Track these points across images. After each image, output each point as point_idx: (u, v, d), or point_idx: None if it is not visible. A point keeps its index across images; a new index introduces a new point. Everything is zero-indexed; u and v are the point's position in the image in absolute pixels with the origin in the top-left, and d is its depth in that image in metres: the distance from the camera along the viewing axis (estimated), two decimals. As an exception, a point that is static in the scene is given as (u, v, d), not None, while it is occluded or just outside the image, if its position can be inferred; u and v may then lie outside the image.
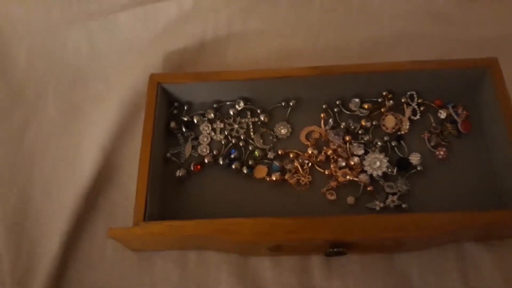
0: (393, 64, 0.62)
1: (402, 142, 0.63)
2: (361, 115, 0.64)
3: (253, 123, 0.66)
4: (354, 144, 0.63)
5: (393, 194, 0.59)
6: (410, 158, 0.61)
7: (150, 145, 0.60)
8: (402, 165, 0.61)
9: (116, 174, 0.65)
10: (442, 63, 0.62)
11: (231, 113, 0.66)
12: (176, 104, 0.67)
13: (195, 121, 0.66)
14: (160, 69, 0.71)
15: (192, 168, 0.63)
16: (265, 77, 0.63)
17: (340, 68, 0.62)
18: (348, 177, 0.60)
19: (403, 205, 0.58)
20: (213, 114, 0.66)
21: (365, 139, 0.63)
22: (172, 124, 0.66)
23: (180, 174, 0.62)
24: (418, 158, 0.61)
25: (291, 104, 0.66)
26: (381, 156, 0.61)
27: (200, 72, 0.65)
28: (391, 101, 0.64)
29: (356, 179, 0.60)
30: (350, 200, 0.59)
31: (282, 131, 0.65)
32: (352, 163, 0.61)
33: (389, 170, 0.60)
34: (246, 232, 0.51)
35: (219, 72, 0.64)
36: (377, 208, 0.59)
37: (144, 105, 0.63)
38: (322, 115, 0.65)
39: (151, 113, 0.62)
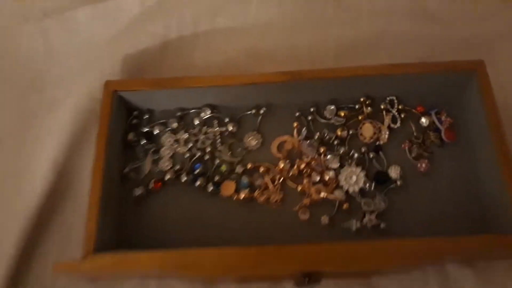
0: (371, 68, 0.56)
1: (381, 153, 0.57)
2: (336, 123, 0.59)
3: (220, 133, 0.60)
4: (329, 156, 0.57)
5: (371, 212, 0.54)
6: (389, 171, 0.56)
7: (103, 161, 0.53)
8: (381, 179, 0.55)
9: (70, 192, 0.59)
10: (424, 66, 0.56)
11: (196, 122, 0.60)
12: (135, 113, 0.61)
13: (156, 131, 0.60)
14: (119, 72, 0.64)
15: (151, 186, 0.57)
16: (232, 84, 0.57)
17: (314, 73, 0.56)
18: (322, 194, 0.54)
19: (381, 225, 0.53)
20: (177, 124, 0.60)
21: (341, 151, 0.57)
22: (130, 136, 0.59)
23: (138, 193, 0.56)
24: (398, 171, 0.55)
25: (261, 112, 0.59)
26: (358, 170, 0.55)
27: (160, 79, 0.58)
28: (369, 108, 0.58)
29: (330, 196, 0.54)
30: (324, 219, 0.54)
31: (252, 142, 0.59)
32: (327, 177, 0.55)
33: (367, 185, 0.55)
34: (208, 266, 0.45)
35: (181, 78, 0.57)
36: (354, 228, 0.53)
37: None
38: (295, 124, 0.59)
39: (105, 124, 0.55)
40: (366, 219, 0.53)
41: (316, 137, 0.58)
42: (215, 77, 0.57)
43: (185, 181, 0.56)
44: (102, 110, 0.56)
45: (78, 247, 0.54)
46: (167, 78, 0.58)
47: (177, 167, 0.58)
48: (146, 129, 0.60)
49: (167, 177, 0.57)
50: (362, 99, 0.59)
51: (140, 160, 0.59)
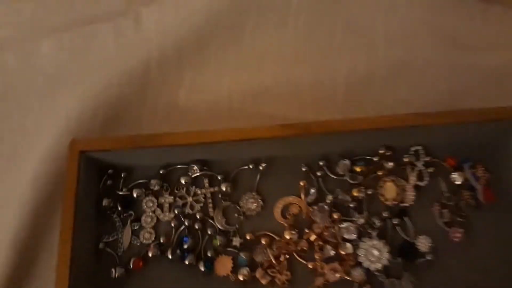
0: (391, 119, 0.45)
1: (406, 218, 0.47)
2: (351, 182, 0.49)
3: (212, 194, 0.50)
4: (344, 224, 0.47)
5: (397, 295, 0.45)
6: (417, 242, 0.46)
7: (72, 235, 0.44)
8: (408, 253, 0.46)
9: (34, 274, 0.49)
10: (456, 115, 0.46)
11: (183, 181, 0.49)
12: (110, 171, 0.51)
13: (135, 195, 0.49)
14: (90, 117, 0.53)
15: (132, 266, 0.47)
16: (224, 140, 0.46)
17: (322, 126, 0.45)
18: (337, 274, 0.45)
19: (410, 311, 0.44)
20: (159, 185, 0.49)
21: (359, 219, 0.47)
22: (105, 202, 0.49)
23: (117, 275, 0.46)
24: (428, 243, 0.46)
25: (260, 167, 0.50)
26: (381, 244, 0.46)
27: (137, 136, 0.47)
28: (390, 163, 0.49)
29: (348, 277, 0.45)
30: (342, 306, 0.45)
31: (251, 205, 0.49)
32: (343, 252, 0.46)
33: (391, 261, 0.46)
34: None
35: (162, 135, 0.47)
36: (377, 316, 0.44)
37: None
38: (301, 183, 0.49)
39: (72, 189, 0.45)
40: (392, 304, 0.45)
41: (328, 200, 0.48)
42: (203, 133, 0.46)
43: (172, 258, 0.47)
44: (68, 173, 0.46)
45: None
46: (145, 136, 0.47)
47: (162, 239, 0.48)
48: (123, 193, 0.50)
49: (150, 253, 0.47)
50: (381, 151, 0.49)
51: (117, 232, 0.49)
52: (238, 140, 0.46)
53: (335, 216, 0.47)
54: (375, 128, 0.46)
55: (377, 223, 0.47)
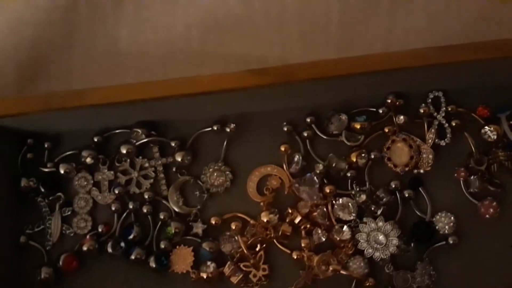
0: (401, 56, 0.32)
1: (421, 189, 0.37)
2: (349, 143, 0.38)
3: (164, 167, 0.38)
4: (341, 200, 0.37)
5: (410, 292, 0.35)
6: (436, 222, 0.36)
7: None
8: (422, 235, 0.35)
9: None
10: (488, 48, 0.32)
11: (124, 151, 0.37)
12: (29, 141, 0.39)
13: (62, 171, 0.38)
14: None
15: (63, 266, 0.36)
16: (178, 94, 0.34)
17: (309, 69, 0.33)
18: (331, 268, 0.35)
19: (426, 311, 0.35)
20: (93, 157, 0.38)
21: (358, 192, 0.37)
22: (25, 182, 0.38)
23: (43, 277, 0.36)
24: (450, 222, 0.35)
25: (228, 129, 0.38)
26: (388, 225, 0.35)
27: (58, 94, 0.35)
28: (402, 116, 0.37)
29: (344, 272, 0.35)
30: (337, 309, 0.35)
31: (216, 179, 0.38)
32: (338, 238, 0.36)
33: (401, 247, 0.35)
34: None
35: (93, 91, 0.34)
36: (383, 319, 0.35)
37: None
38: (281, 148, 0.38)
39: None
40: (401, 303, 0.35)
41: (318, 170, 0.37)
42: (148, 85, 0.34)
43: (114, 253, 0.36)
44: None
45: None
46: (70, 92, 0.35)
47: (100, 229, 0.37)
48: (47, 169, 0.38)
49: (86, 247, 0.37)
50: (389, 100, 0.37)
51: (43, 220, 0.38)
52: (197, 93, 0.34)
53: (328, 190, 0.36)
54: (380, 69, 0.33)
55: (383, 197, 0.36)
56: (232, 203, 0.38)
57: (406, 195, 0.36)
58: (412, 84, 0.36)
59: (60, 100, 0.35)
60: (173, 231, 0.36)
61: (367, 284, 0.35)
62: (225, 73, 0.34)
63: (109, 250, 0.36)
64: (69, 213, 0.38)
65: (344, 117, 0.37)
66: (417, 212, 0.36)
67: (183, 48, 0.42)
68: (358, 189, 0.36)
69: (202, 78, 0.35)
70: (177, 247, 0.37)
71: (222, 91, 0.34)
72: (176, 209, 0.37)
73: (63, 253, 0.37)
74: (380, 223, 0.35)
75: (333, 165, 0.36)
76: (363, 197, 0.35)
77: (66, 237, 0.38)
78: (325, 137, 0.37)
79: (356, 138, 0.37)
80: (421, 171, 0.37)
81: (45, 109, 0.35)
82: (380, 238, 0.35)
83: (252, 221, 0.37)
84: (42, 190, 0.38)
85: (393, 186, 0.36)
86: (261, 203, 0.37)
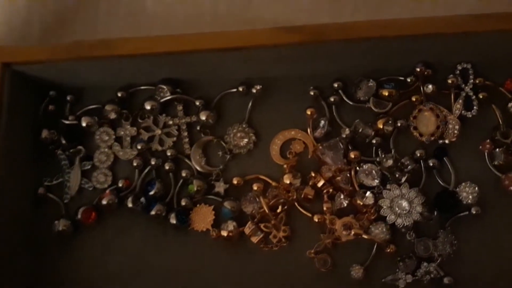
0: (432, 23, 0.34)
1: (446, 159, 0.38)
2: (376, 110, 0.38)
3: (188, 125, 0.39)
4: (365, 166, 0.38)
5: (430, 260, 0.36)
6: (459, 192, 0.37)
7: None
8: (446, 205, 0.37)
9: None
10: None
11: (148, 108, 0.38)
12: (51, 93, 0.40)
13: (84, 124, 0.39)
14: (22, 24, 0.42)
15: (81, 218, 0.38)
16: (206, 48, 0.35)
17: (339, 30, 0.34)
18: (353, 232, 0.36)
19: (446, 279, 0.35)
20: (116, 112, 0.39)
21: (384, 158, 0.38)
22: (45, 133, 0.39)
23: (61, 228, 0.37)
24: (474, 192, 0.36)
25: (254, 90, 0.39)
26: (412, 192, 0.37)
27: (84, 42, 0.36)
28: (430, 85, 0.38)
29: (366, 236, 0.36)
30: (357, 272, 0.36)
31: (240, 140, 0.39)
32: (361, 203, 0.37)
33: (424, 215, 0.37)
34: None
35: (120, 41, 0.35)
36: (401, 286, 0.35)
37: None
38: (308, 112, 0.39)
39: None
40: (422, 270, 0.36)
41: (344, 135, 0.38)
42: (176, 38, 0.35)
43: (134, 208, 0.37)
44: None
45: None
46: (96, 42, 0.36)
47: (121, 183, 0.38)
48: (68, 121, 0.39)
49: (105, 201, 0.38)
50: (418, 69, 0.38)
51: (62, 173, 0.39)
52: (225, 48, 0.35)
53: (353, 155, 0.37)
54: (413, 33, 0.34)
55: (408, 165, 0.37)
56: (254, 165, 0.38)
57: (431, 165, 0.37)
58: (441, 54, 0.37)
59: (88, 49, 0.36)
60: (195, 189, 0.37)
61: (388, 251, 0.36)
62: (255, 29, 0.35)
63: (129, 204, 0.37)
64: (89, 167, 0.39)
65: (372, 83, 0.38)
66: (440, 182, 0.37)
67: (210, 10, 0.43)
68: (383, 156, 0.37)
69: (231, 33, 0.35)
70: (198, 205, 0.38)
71: (251, 47, 0.35)
72: (198, 168, 0.38)
73: (82, 206, 0.38)
74: (404, 190, 0.36)
75: (359, 130, 0.38)
76: (390, 161, 0.36)
77: (85, 191, 0.39)
78: (351, 103, 0.38)
79: (383, 105, 0.38)
80: (446, 141, 0.38)
81: (72, 57, 0.36)
82: (404, 205, 0.36)
83: (274, 183, 0.38)
84: (63, 142, 0.38)
85: (418, 155, 0.37)
86: (284, 166, 0.38)
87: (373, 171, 0.37)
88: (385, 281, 0.36)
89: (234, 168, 0.39)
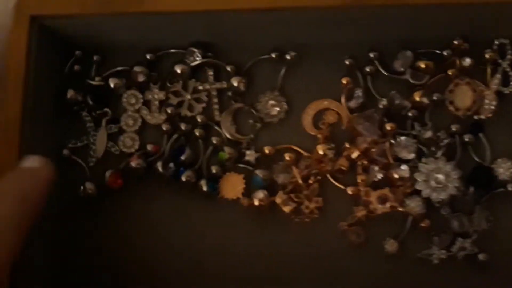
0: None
1: (481, 135, 0.37)
2: (413, 81, 0.38)
3: (218, 91, 0.38)
4: (401, 139, 0.37)
5: (465, 236, 0.36)
6: (495, 168, 0.36)
7: (21, 138, 0.33)
8: (481, 181, 0.36)
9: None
10: None
11: (178, 71, 0.37)
12: (77, 53, 0.38)
13: (112, 85, 0.37)
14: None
15: (108, 182, 0.36)
16: (241, 8, 0.34)
17: (386, -4, 0.34)
18: (388, 204, 0.36)
19: (480, 256, 0.35)
20: (145, 75, 0.37)
21: (421, 131, 0.37)
22: (71, 94, 0.37)
23: (87, 192, 0.36)
24: (510, 168, 0.35)
25: (288, 57, 0.38)
26: (449, 166, 0.36)
27: (114, -3, 0.35)
28: (467, 58, 0.38)
29: (402, 209, 0.36)
30: (391, 246, 0.35)
31: (272, 109, 0.38)
32: (397, 176, 0.36)
33: (461, 189, 0.36)
34: None
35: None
36: (435, 261, 0.35)
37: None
38: (343, 81, 0.38)
39: (22, 75, 0.33)
40: (457, 246, 0.35)
41: (381, 105, 0.37)
42: (212, -3, 0.34)
43: (163, 174, 0.36)
44: (15, 50, 0.34)
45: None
46: (127, -4, 0.35)
47: (150, 147, 0.37)
48: (95, 82, 0.38)
49: (133, 164, 0.36)
50: (456, 42, 0.38)
51: (88, 135, 0.38)
52: (264, 9, 0.34)
53: (389, 127, 0.36)
54: (455, 2, 0.34)
55: (444, 139, 0.36)
56: (286, 134, 0.37)
57: (466, 140, 0.36)
58: (479, 28, 0.36)
59: (120, 3, 0.34)
60: (226, 156, 0.36)
61: (423, 225, 0.35)
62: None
63: (159, 169, 0.36)
64: (115, 130, 0.37)
65: (410, 54, 0.37)
66: (476, 157, 0.37)
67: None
68: (420, 129, 0.37)
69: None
70: (227, 173, 0.37)
71: (291, 8, 0.34)
72: (229, 136, 0.37)
73: (108, 169, 0.36)
74: (441, 164, 0.36)
75: (396, 102, 0.37)
76: (429, 133, 0.35)
77: (111, 155, 0.37)
78: (387, 74, 0.38)
79: (421, 77, 0.37)
80: (482, 117, 0.37)
81: (102, 12, 0.34)
82: (440, 179, 0.35)
83: (306, 154, 0.37)
84: (90, 103, 0.37)
85: (454, 129, 0.37)
86: (318, 136, 0.37)
87: (409, 144, 0.36)
88: (419, 256, 0.35)
89: (265, 137, 0.37)
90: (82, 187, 0.36)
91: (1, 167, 0.32)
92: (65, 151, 0.37)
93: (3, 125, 0.33)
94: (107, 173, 0.36)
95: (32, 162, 0.30)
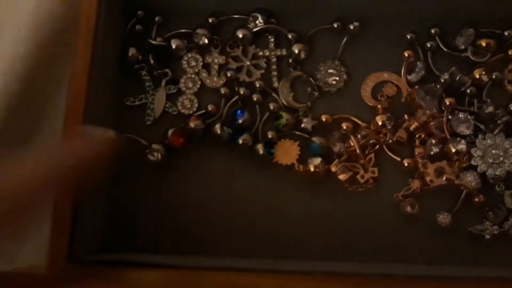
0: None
1: (539, 116, 0.38)
2: (474, 58, 0.38)
3: (278, 58, 0.39)
4: (460, 115, 0.37)
5: (519, 213, 0.36)
6: (552, 147, 0.37)
7: (86, 92, 0.33)
8: (538, 159, 0.37)
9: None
10: None
11: (240, 36, 0.38)
12: (139, 13, 0.38)
13: (174, 46, 0.38)
14: None
15: (169, 140, 0.37)
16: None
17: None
18: (444, 176, 0.36)
19: (533, 233, 0.36)
20: (207, 38, 0.38)
21: (479, 108, 0.37)
22: (132, 52, 0.38)
23: (153, 151, 0.36)
24: None
25: (351, 27, 0.38)
26: (507, 142, 0.36)
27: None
28: (530, 39, 0.38)
29: (458, 182, 0.36)
30: (444, 219, 0.36)
31: (331, 78, 0.38)
32: (453, 150, 0.36)
33: (516, 168, 0.36)
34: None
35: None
36: (487, 236, 0.36)
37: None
38: (405, 54, 0.38)
39: (88, 33, 0.33)
40: (509, 222, 0.36)
41: (442, 79, 0.38)
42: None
43: (220, 136, 0.37)
44: (82, 8, 0.35)
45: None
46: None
47: (210, 108, 0.37)
48: (156, 42, 0.38)
49: (192, 125, 0.37)
50: (517, 22, 0.38)
51: (146, 94, 0.38)
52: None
53: (448, 102, 0.36)
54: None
55: (503, 116, 0.37)
56: (343, 104, 0.38)
57: (524, 119, 0.37)
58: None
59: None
60: (284, 122, 0.37)
61: (477, 200, 0.36)
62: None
63: (217, 131, 0.36)
64: (174, 91, 0.38)
65: (472, 31, 0.38)
66: (532, 137, 0.37)
67: None
68: (479, 105, 0.37)
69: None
70: (283, 140, 0.37)
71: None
72: (285, 103, 0.38)
73: (165, 128, 0.37)
74: (499, 139, 0.36)
75: (456, 78, 0.37)
76: (490, 108, 0.36)
77: (168, 115, 0.38)
78: (449, 51, 0.38)
79: (482, 54, 0.37)
80: (541, 98, 0.38)
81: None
82: (498, 154, 0.36)
83: (363, 124, 0.37)
84: (150, 62, 0.37)
85: (511, 108, 0.38)
86: (378, 106, 0.37)
87: (468, 120, 0.36)
88: (471, 231, 0.36)
89: (322, 106, 0.38)
90: (148, 148, 0.36)
91: (68, 117, 0.33)
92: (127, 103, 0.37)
93: (71, 79, 0.34)
94: (170, 131, 0.36)
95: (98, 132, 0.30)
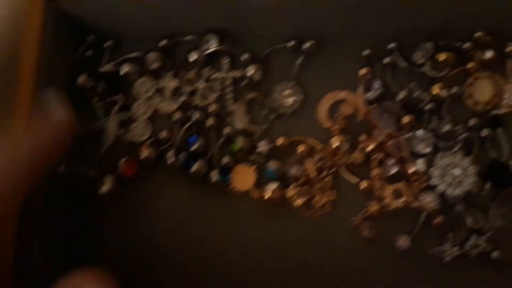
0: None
1: (499, 130, 0.36)
2: (432, 73, 0.37)
3: (233, 80, 0.38)
4: (419, 133, 0.37)
5: (479, 233, 0.36)
6: (511, 164, 0.36)
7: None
8: (498, 176, 0.36)
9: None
10: None
11: (193, 58, 0.37)
12: (90, 38, 0.38)
13: (125, 71, 0.37)
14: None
15: (121, 171, 0.36)
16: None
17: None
18: (402, 198, 0.35)
19: (494, 253, 0.35)
20: (159, 61, 0.37)
21: (438, 125, 0.37)
22: (82, 79, 0.37)
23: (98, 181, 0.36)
24: (527, 164, 0.36)
25: (304, 47, 0.37)
26: (465, 161, 0.36)
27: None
28: (489, 52, 0.37)
29: (416, 204, 0.35)
30: (403, 241, 0.35)
31: (287, 99, 0.38)
32: (411, 170, 0.36)
33: (477, 184, 0.36)
34: None
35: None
36: (448, 258, 0.35)
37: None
38: (361, 71, 0.38)
39: (33, 59, 0.33)
40: (470, 243, 0.35)
41: (399, 97, 0.37)
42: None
43: (173, 163, 0.36)
44: (30, 33, 0.34)
45: None
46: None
47: (164, 134, 0.37)
48: (107, 69, 0.38)
49: (144, 155, 0.37)
50: (478, 34, 0.37)
51: (97, 122, 0.37)
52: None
53: (407, 119, 0.36)
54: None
55: (462, 133, 0.36)
56: (300, 125, 0.37)
57: (484, 134, 0.36)
58: (501, 21, 0.36)
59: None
60: (239, 147, 0.36)
61: (436, 221, 0.35)
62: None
63: (170, 159, 0.36)
64: (126, 118, 0.37)
65: (430, 45, 0.37)
66: (493, 152, 0.36)
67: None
68: (438, 122, 0.36)
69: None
70: (239, 164, 0.36)
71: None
72: (241, 126, 0.37)
73: (117, 157, 0.36)
74: (458, 158, 0.35)
75: (414, 94, 0.37)
76: (448, 126, 0.35)
77: (121, 143, 0.37)
78: (407, 65, 0.37)
79: (440, 69, 0.37)
80: (501, 112, 0.37)
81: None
82: (456, 173, 0.35)
83: (320, 146, 0.37)
84: (100, 90, 0.37)
85: (471, 123, 0.37)
86: (332, 128, 0.37)
87: (426, 138, 0.36)
88: (430, 253, 0.35)
89: (279, 128, 0.37)
90: (92, 173, 0.36)
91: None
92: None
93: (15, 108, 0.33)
94: (122, 161, 0.36)
95: (57, 113, 0.31)
